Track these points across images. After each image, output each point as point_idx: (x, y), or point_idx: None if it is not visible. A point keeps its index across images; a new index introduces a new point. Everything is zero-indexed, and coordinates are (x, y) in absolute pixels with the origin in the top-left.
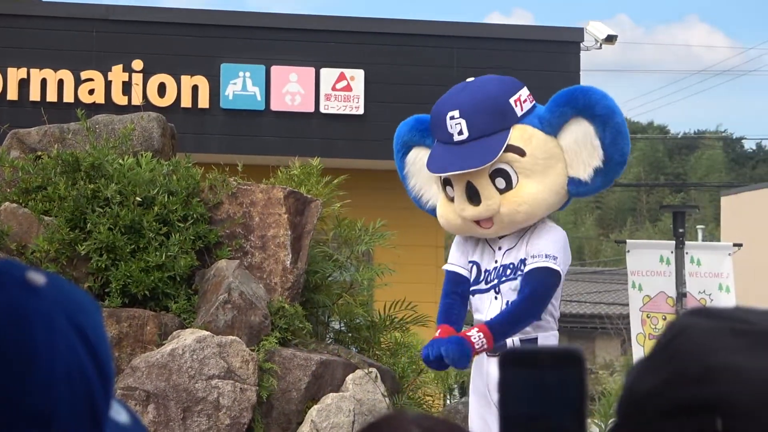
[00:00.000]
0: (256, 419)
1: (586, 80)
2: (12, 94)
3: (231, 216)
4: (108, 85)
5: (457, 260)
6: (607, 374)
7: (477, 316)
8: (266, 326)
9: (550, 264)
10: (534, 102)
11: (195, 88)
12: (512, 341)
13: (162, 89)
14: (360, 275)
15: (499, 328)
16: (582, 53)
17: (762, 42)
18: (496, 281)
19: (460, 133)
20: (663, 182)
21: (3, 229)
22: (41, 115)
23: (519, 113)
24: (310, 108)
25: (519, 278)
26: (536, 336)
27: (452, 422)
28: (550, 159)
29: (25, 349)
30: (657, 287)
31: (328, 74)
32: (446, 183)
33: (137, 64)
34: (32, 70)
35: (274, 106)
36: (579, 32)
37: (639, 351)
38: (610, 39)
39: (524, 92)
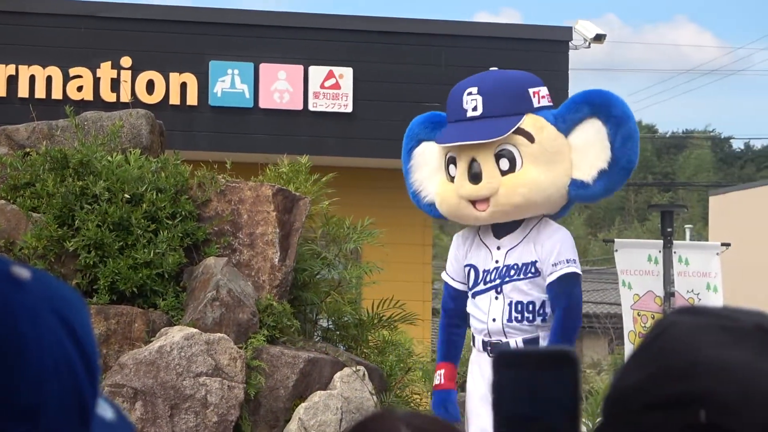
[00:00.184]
0: (244, 417)
1: (574, 79)
2: (0, 91)
3: (219, 213)
4: (96, 82)
5: (453, 271)
6: (594, 373)
7: (479, 316)
8: (254, 324)
9: (573, 268)
10: (551, 104)
11: (183, 86)
12: (515, 342)
13: (150, 86)
14: (348, 273)
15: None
16: (570, 52)
17: (750, 42)
18: (498, 281)
19: (475, 109)
20: (651, 182)
21: None
22: (30, 112)
23: (535, 104)
24: (299, 106)
25: (525, 281)
26: (538, 335)
27: (441, 419)
28: (557, 154)
29: (11, 344)
30: (645, 286)
31: (317, 72)
32: (450, 162)
33: (126, 61)
34: (21, 67)
35: (263, 104)
36: (567, 31)
37: (631, 348)
38: (599, 38)
39: (544, 90)
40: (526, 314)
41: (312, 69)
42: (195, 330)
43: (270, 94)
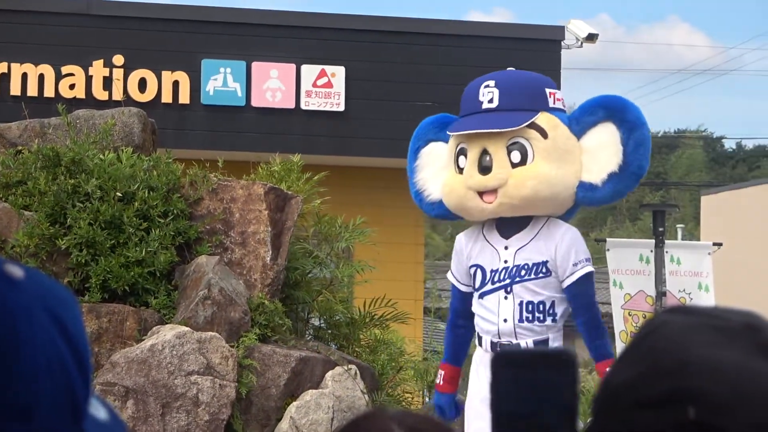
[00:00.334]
0: (235, 415)
1: (566, 79)
2: None
3: (211, 212)
4: (89, 80)
5: (457, 272)
6: (586, 372)
7: (487, 317)
8: (246, 322)
9: (589, 267)
10: (565, 108)
11: (176, 84)
12: (526, 344)
13: (143, 84)
14: (340, 272)
15: (603, 350)
16: (563, 52)
17: (742, 42)
18: (508, 281)
19: (491, 101)
20: (643, 181)
21: None
22: (22, 110)
23: (550, 104)
24: (291, 104)
25: (536, 281)
26: (548, 336)
27: (432, 419)
28: (569, 154)
29: (7, 343)
30: (637, 286)
31: (309, 71)
32: (460, 153)
33: (118, 59)
34: (13, 65)
35: (255, 102)
36: (560, 30)
37: (622, 348)
38: (591, 38)
39: (559, 93)
40: (537, 314)
41: (304, 68)
42: (186, 329)
43: (262, 93)
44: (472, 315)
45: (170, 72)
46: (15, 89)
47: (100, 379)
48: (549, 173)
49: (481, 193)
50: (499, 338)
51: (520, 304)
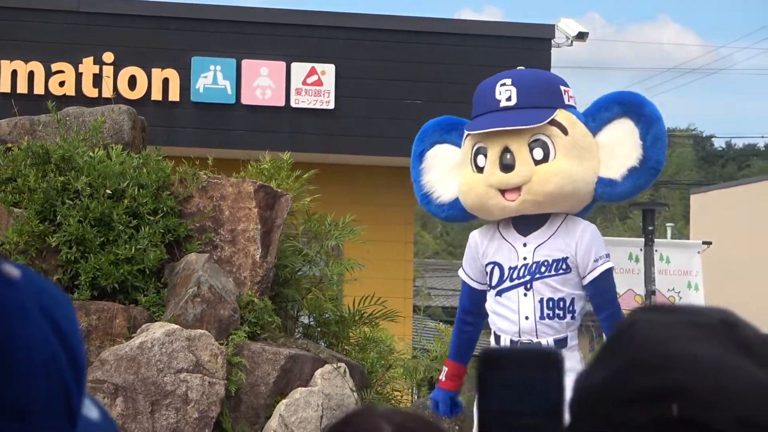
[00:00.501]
0: (225, 413)
1: None
2: None
3: (201, 209)
4: (79, 77)
5: (470, 269)
6: None
7: (507, 315)
8: (235, 320)
9: (610, 263)
10: (576, 106)
11: (166, 81)
12: (547, 342)
13: (133, 82)
14: (329, 270)
15: None
16: (553, 50)
17: (732, 41)
18: (528, 277)
19: (509, 99)
20: None
21: None
22: (11, 107)
23: (565, 101)
24: (281, 102)
25: (556, 277)
26: (566, 335)
27: (422, 417)
28: (587, 151)
29: (3, 343)
30: (626, 284)
31: (299, 69)
32: (478, 152)
33: (108, 57)
34: (2, 62)
35: (245, 100)
36: (550, 29)
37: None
38: (581, 36)
39: (572, 91)
40: (557, 311)
41: (294, 65)
42: (176, 326)
43: (252, 91)
44: (483, 313)
45: (160, 69)
46: (5, 86)
47: (90, 376)
48: (571, 170)
49: (502, 191)
50: (520, 336)
51: (540, 301)
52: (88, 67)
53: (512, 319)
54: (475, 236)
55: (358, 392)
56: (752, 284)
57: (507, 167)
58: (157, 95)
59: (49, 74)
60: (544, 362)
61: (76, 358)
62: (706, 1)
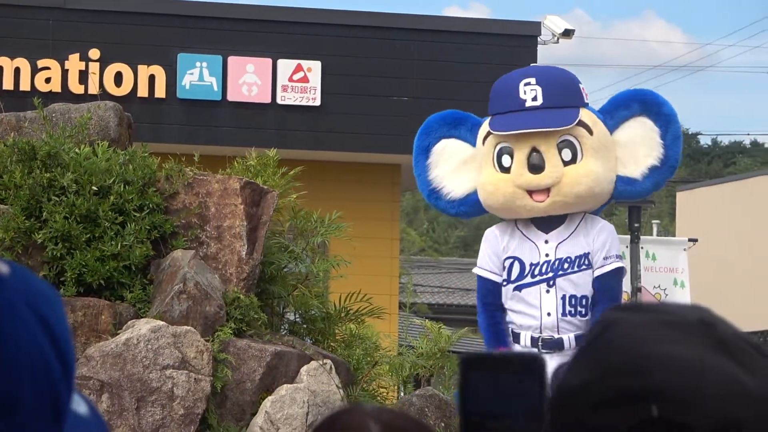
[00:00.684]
0: (210, 410)
1: None
2: None
3: (187, 206)
4: (65, 73)
5: (489, 264)
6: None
7: (528, 311)
8: (221, 317)
9: (620, 263)
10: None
11: (152, 78)
12: (568, 339)
13: (119, 78)
14: (315, 267)
15: None
16: (539, 47)
17: (718, 38)
18: (551, 274)
19: (535, 99)
20: None
21: None
22: None
23: (585, 99)
24: (267, 99)
25: (579, 273)
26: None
27: (408, 415)
28: (607, 150)
29: None
30: None
31: (285, 65)
32: (503, 152)
33: (94, 53)
34: None
35: (231, 97)
36: (536, 26)
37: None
38: (567, 33)
39: (585, 88)
40: (579, 308)
41: (280, 62)
42: (162, 323)
43: (238, 87)
44: (501, 302)
45: (146, 66)
46: None
47: (75, 372)
48: (598, 170)
49: (530, 192)
50: (541, 333)
51: (563, 297)
52: (74, 63)
53: (533, 315)
54: (494, 231)
55: (344, 389)
56: (738, 281)
57: (536, 168)
58: (143, 92)
59: (35, 71)
60: (526, 366)
61: (65, 354)
62: None
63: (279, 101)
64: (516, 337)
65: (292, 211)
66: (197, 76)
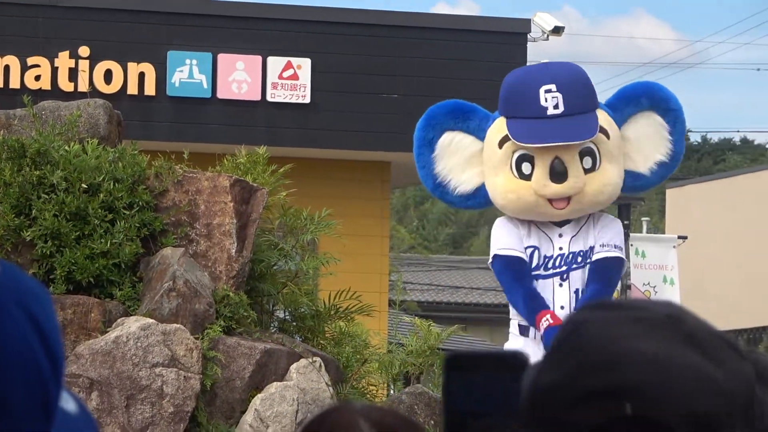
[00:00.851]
0: (200, 407)
1: None
2: None
3: (176, 204)
4: (54, 71)
5: (513, 245)
6: None
7: None
8: (211, 314)
9: (619, 254)
10: None
11: (141, 75)
12: None
13: (108, 76)
14: (305, 264)
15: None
16: (529, 44)
17: (708, 35)
18: (565, 268)
19: (556, 107)
20: None
21: None
22: None
23: (597, 98)
24: (257, 96)
25: (587, 266)
26: None
27: (399, 413)
28: (620, 150)
29: None
30: None
31: (275, 63)
32: (522, 159)
33: (84, 51)
34: None
35: (221, 94)
36: (526, 23)
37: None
38: (557, 30)
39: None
40: None
41: (270, 60)
42: (151, 320)
43: (228, 85)
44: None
45: (136, 63)
46: None
47: (65, 370)
48: (616, 175)
49: (550, 200)
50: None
51: (576, 291)
52: (63, 61)
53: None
54: (508, 221)
55: (334, 387)
56: (728, 278)
57: (558, 176)
58: (133, 89)
59: (24, 68)
60: (508, 364)
61: (54, 352)
62: None
63: (269, 98)
64: (525, 330)
65: (281, 208)
66: (187, 73)
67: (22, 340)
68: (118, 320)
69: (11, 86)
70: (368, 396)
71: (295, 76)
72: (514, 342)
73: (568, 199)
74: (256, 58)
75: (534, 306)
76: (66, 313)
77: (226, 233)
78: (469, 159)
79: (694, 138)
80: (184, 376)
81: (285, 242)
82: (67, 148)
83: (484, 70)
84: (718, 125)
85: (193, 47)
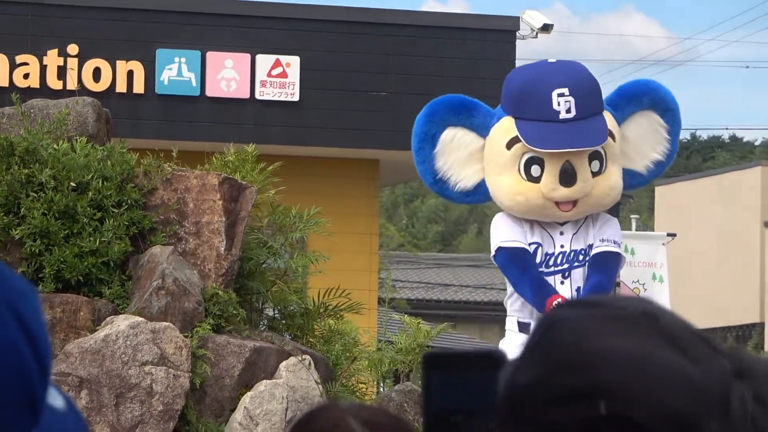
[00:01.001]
0: (189, 406)
1: None
2: None
3: (165, 202)
4: (43, 69)
5: (518, 237)
6: None
7: None
8: (200, 313)
9: (619, 250)
10: None
11: (130, 73)
12: None
13: (97, 74)
14: (294, 262)
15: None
16: (518, 42)
17: (697, 32)
18: (566, 266)
19: (568, 111)
20: None
21: None
22: None
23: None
24: (246, 94)
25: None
26: None
27: (388, 411)
28: (621, 149)
29: None
30: None
31: (264, 61)
32: (532, 162)
33: (72, 49)
34: None
35: (210, 92)
36: (515, 21)
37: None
38: (546, 28)
39: None
40: None
41: (259, 57)
42: (140, 319)
43: (217, 83)
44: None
45: (125, 61)
46: None
47: (54, 369)
48: (619, 177)
49: (557, 202)
50: None
51: (578, 289)
52: (52, 59)
53: None
54: (509, 217)
55: (323, 385)
56: (716, 275)
57: (567, 179)
58: (121, 87)
59: (13, 66)
60: (486, 362)
61: (42, 352)
62: None
63: (258, 96)
64: (524, 327)
65: (270, 206)
66: (176, 71)
67: (9, 339)
68: (107, 319)
69: None
70: (358, 394)
71: (283, 74)
72: (511, 339)
73: (574, 202)
74: (244, 56)
75: (543, 293)
76: (55, 311)
77: (215, 231)
78: (471, 155)
79: (683, 135)
80: (174, 375)
81: (274, 240)
82: (55, 146)
83: (473, 67)
84: (707, 123)
85: (181, 45)
